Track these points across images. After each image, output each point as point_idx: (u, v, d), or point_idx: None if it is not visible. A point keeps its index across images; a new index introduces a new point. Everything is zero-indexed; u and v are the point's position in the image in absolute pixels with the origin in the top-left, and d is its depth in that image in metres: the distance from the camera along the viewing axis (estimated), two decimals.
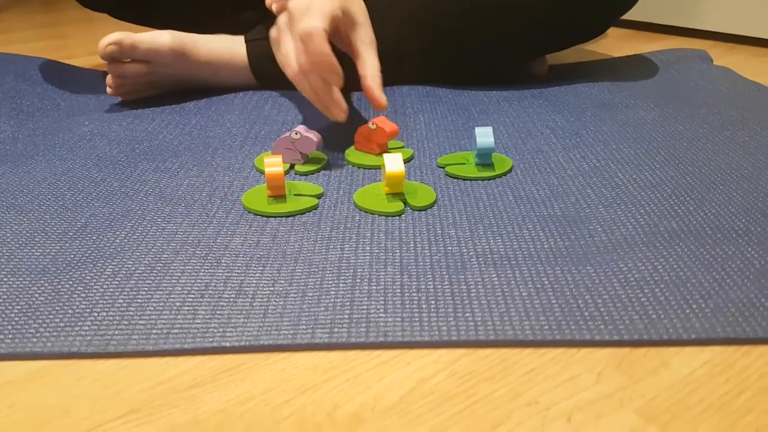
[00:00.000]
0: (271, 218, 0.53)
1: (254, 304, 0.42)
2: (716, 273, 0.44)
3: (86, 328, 0.40)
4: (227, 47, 0.82)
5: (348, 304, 0.42)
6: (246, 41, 0.83)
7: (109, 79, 0.78)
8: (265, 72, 0.83)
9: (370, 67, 0.63)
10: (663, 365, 0.37)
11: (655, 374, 0.36)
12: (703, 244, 0.47)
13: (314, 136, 0.61)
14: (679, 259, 0.45)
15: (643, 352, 0.38)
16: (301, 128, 0.61)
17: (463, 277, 0.44)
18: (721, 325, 0.39)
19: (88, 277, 0.45)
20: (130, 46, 0.75)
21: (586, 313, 0.40)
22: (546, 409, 0.34)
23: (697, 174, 0.59)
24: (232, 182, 0.59)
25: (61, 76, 0.91)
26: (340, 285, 0.44)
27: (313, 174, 0.61)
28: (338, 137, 0.70)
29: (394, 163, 0.54)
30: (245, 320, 0.40)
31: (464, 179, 0.59)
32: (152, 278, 0.45)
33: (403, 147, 0.67)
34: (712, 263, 0.45)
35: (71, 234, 0.50)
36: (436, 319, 0.40)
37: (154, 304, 0.42)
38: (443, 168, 0.62)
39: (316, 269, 0.46)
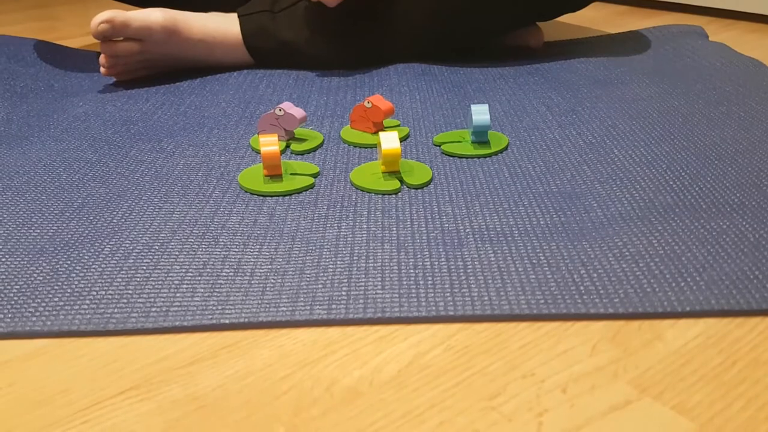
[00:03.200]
0: (267, 197, 0.53)
1: (252, 281, 0.42)
2: (711, 246, 0.44)
3: (85, 306, 0.40)
4: (221, 24, 0.81)
5: (346, 281, 0.42)
6: (239, 16, 0.82)
7: (102, 58, 0.78)
8: (259, 48, 0.83)
9: None
10: (657, 337, 0.37)
11: (649, 346, 0.37)
12: (698, 218, 0.47)
13: (297, 113, 0.61)
14: (674, 233, 0.46)
15: (638, 325, 0.38)
16: (285, 105, 0.61)
17: (459, 253, 0.45)
18: (715, 298, 0.39)
19: (86, 257, 0.45)
20: (121, 24, 0.74)
21: (582, 287, 0.41)
22: (541, 381, 0.34)
23: (692, 149, 0.59)
24: (228, 162, 0.59)
25: (54, 56, 0.90)
26: (338, 262, 0.44)
27: (309, 153, 0.61)
28: (334, 116, 0.70)
29: (390, 141, 0.54)
30: (244, 297, 0.41)
31: (460, 157, 0.59)
32: (150, 257, 0.45)
33: (399, 125, 0.67)
34: (706, 237, 0.45)
35: (68, 214, 0.50)
36: (433, 294, 0.41)
37: (153, 283, 0.42)
38: (439, 146, 0.62)
39: (314, 247, 0.46)
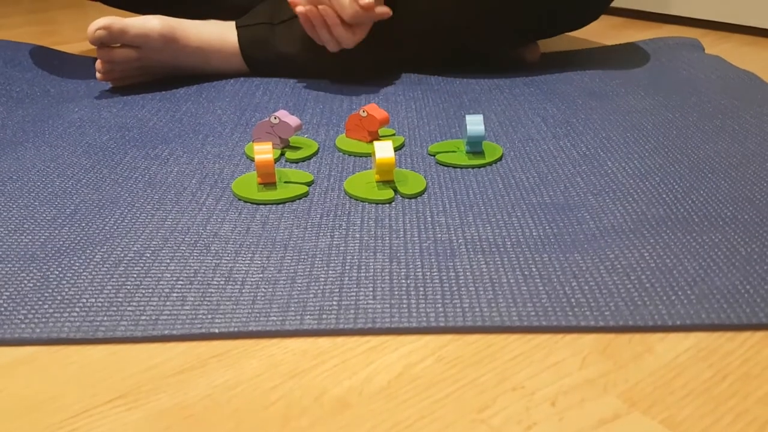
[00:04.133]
0: (261, 205, 0.53)
1: (243, 290, 0.42)
2: (702, 260, 0.44)
3: (75, 314, 0.40)
4: (218, 33, 0.82)
5: (337, 290, 0.42)
6: (237, 27, 0.82)
7: (98, 64, 0.78)
8: (256, 59, 0.83)
9: None
10: (647, 351, 0.37)
11: (639, 359, 0.37)
12: (690, 232, 0.47)
13: (293, 121, 0.61)
14: (666, 246, 0.46)
15: (628, 338, 0.38)
16: (281, 113, 0.61)
17: (451, 264, 0.44)
18: (706, 312, 0.39)
19: (77, 264, 0.45)
20: (119, 30, 0.74)
21: (573, 300, 0.40)
22: (531, 394, 0.34)
23: (685, 162, 0.59)
24: (222, 169, 0.59)
25: (51, 62, 0.90)
26: (330, 272, 0.44)
27: (303, 161, 0.61)
28: (329, 124, 0.70)
29: (384, 150, 0.54)
30: (234, 307, 0.41)
31: (455, 167, 0.60)
32: (141, 265, 0.45)
33: (394, 135, 0.67)
34: (698, 250, 0.45)
35: (60, 221, 0.50)
36: (424, 305, 0.40)
37: (143, 291, 0.42)
38: (434, 156, 0.62)
39: (306, 256, 0.46)
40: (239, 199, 0.54)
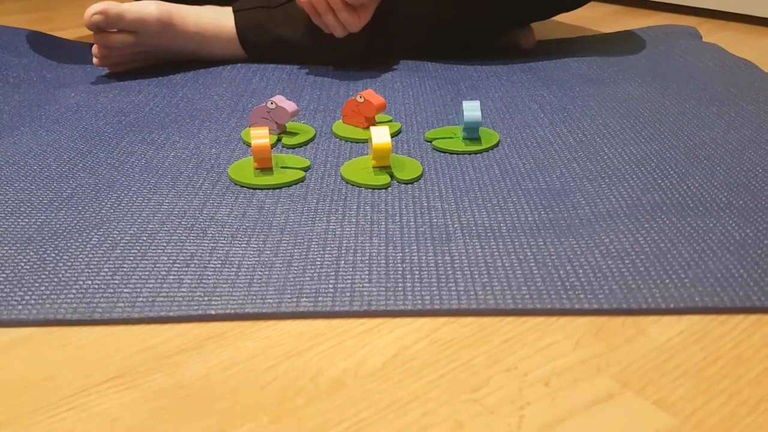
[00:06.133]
0: (257, 190, 0.53)
1: (240, 273, 0.42)
2: (696, 244, 0.44)
3: (71, 295, 0.40)
4: (215, 18, 0.81)
5: (333, 274, 0.42)
6: (234, 11, 0.82)
7: (95, 49, 0.78)
8: (253, 43, 0.83)
9: None
10: (640, 333, 0.37)
11: (632, 342, 0.37)
12: (685, 217, 0.48)
13: (289, 107, 0.61)
14: (661, 231, 0.46)
15: (622, 321, 0.38)
16: (277, 98, 0.61)
17: (447, 248, 0.45)
18: (699, 295, 0.40)
19: (73, 247, 0.45)
20: (116, 15, 0.74)
21: (567, 283, 0.41)
22: (524, 375, 0.35)
23: (681, 148, 0.59)
24: (218, 154, 0.59)
25: (47, 47, 0.90)
26: (326, 256, 0.44)
27: (300, 147, 0.61)
28: (326, 110, 0.70)
29: (380, 136, 0.54)
30: (231, 289, 0.41)
31: (451, 153, 0.60)
32: (138, 248, 0.45)
33: (391, 121, 0.67)
34: (692, 235, 0.45)
35: (57, 204, 0.50)
36: (419, 288, 0.41)
37: (140, 273, 0.42)
38: (431, 142, 0.62)
39: (302, 240, 0.46)
40: (236, 184, 0.54)
